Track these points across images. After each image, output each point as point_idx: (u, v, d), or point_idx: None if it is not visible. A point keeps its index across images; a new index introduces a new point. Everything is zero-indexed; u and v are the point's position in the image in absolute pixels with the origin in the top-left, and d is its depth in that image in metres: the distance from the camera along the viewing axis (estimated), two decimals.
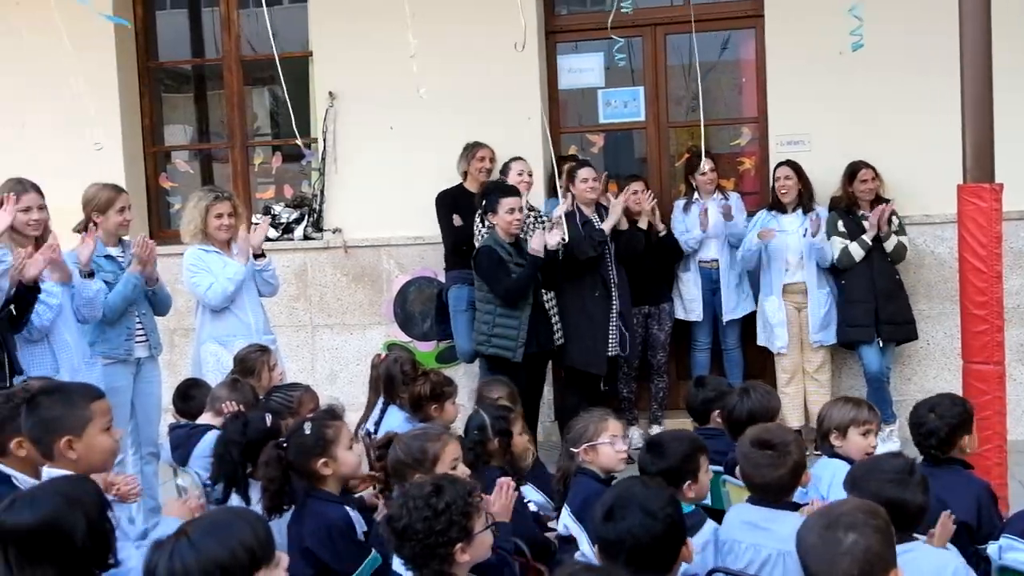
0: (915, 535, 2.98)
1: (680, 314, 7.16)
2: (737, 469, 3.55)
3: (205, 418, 4.57)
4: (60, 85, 7.67)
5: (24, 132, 7.65)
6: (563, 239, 6.06)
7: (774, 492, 3.26)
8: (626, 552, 2.56)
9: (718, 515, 4.24)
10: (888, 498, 2.85)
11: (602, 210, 6.74)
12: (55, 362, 4.84)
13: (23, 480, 3.30)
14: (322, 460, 3.42)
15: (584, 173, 6.65)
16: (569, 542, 3.55)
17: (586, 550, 3.38)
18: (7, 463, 3.36)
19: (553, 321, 6.38)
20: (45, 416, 3.09)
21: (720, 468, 4.19)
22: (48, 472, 3.11)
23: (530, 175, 6.72)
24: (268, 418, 3.93)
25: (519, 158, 6.83)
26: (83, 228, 5.41)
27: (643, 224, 6.85)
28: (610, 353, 6.57)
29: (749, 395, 4.22)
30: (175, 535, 2.26)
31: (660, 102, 7.57)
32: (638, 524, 2.58)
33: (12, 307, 4.58)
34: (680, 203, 7.21)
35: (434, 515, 2.66)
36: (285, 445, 3.46)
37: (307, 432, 3.46)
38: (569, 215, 6.46)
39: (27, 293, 4.66)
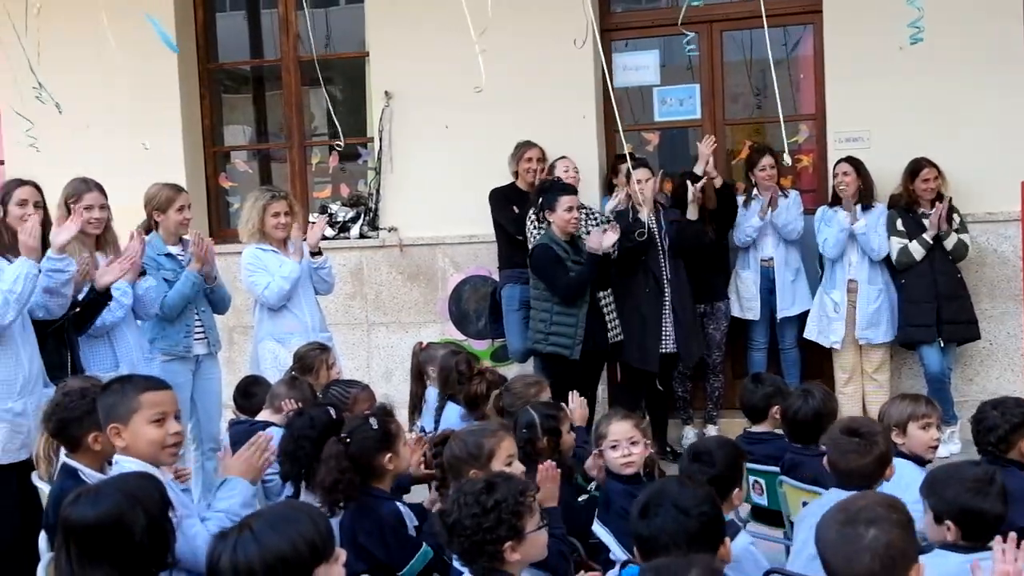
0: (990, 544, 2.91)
1: (737, 312, 7.10)
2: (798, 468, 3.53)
3: (264, 415, 4.62)
4: (123, 86, 7.87)
5: (88, 132, 7.80)
6: (616, 241, 6.05)
7: (858, 480, 3.26)
8: (661, 549, 2.54)
9: (776, 516, 4.22)
10: (966, 506, 2.81)
11: (659, 208, 6.69)
12: (115, 358, 4.94)
13: (90, 475, 3.38)
14: (387, 455, 3.46)
15: (639, 174, 6.62)
16: None
17: (615, 551, 3.38)
18: (78, 458, 3.44)
19: (608, 319, 6.36)
20: (103, 403, 3.17)
21: (776, 469, 4.16)
22: (117, 462, 3.18)
23: (576, 172, 6.71)
24: (332, 411, 3.97)
25: (564, 157, 6.85)
26: (147, 227, 5.53)
27: (699, 169, 6.77)
28: (663, 350, 6.53)
29: (813, 396, 4.19)
30: (238, 528, 2.30)
31: (716, 99, 7.51)
32: (671, 521, 2.56)
33: (78, 309, 4.69)
34: (740, 199, 7.15)
35: (483, 512, 2.67)
36: (348, 440, 3.47)
37: (374, 427, 3.48)
38: (622, 212, 6.44)
39: (98, 298, 4.77)
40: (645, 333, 6.45)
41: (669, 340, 6.53)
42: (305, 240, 5.88)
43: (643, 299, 6.47)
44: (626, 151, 5.75)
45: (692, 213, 6.67)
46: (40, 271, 4.24)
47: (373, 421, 3.50)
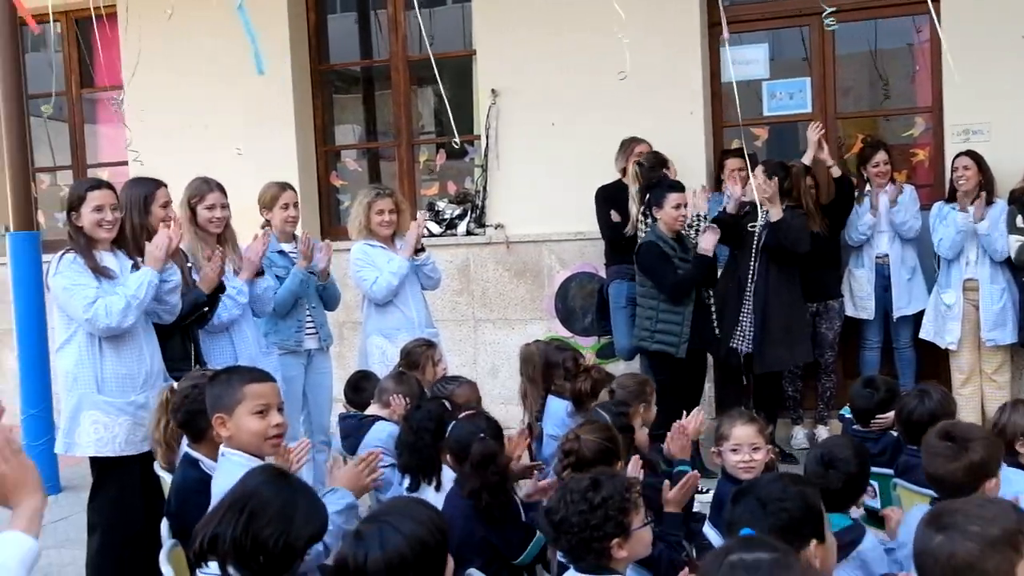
0: None
1: (850, 311, 6.93)
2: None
3: (372, 409, 4.71)
4: (239, 88, 8.10)
5: (207, 133, 8.05)
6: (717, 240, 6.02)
7: (949, 488, 3.11)
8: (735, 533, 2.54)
9: None
10: None
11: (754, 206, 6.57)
12: (234, 352, 5.10)
13: (209, 465, 3.51)
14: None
15: (734, 163, 6.56)
16: None
17: None
18: (199, 448, 3.58)
19: (715, 317, 6.30)
20: (209, 394, 3.28)
21: (891, 471, 4.06)
22: (224, 454, 3.28)
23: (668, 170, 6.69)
24: (446, 404, 4.03)
25: (643, 141, 6.82)
26: (266, 225, 5.69)
27: (808, 159, 6.62)
28: (733, 345, 6.42)
29: (930, 396, 4.03)
30: (372, 523, 2.37)
31: (828, 93, 7.35)
32: (748, 512, 2.53)
33: (207, 308, 4.87)
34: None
35: (590, 509, 2.69)
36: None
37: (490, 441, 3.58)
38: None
39: (214, 292, 4.93)
40: (725, 328, 6.40)
41: (745, 341, 6.40)
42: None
43: (728, 294, 6.41)
44: (739, 146, 5.68)
45: (774, 213, 6.42)
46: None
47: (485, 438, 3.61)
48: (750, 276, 6.40)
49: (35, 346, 6.73)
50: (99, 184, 4.59)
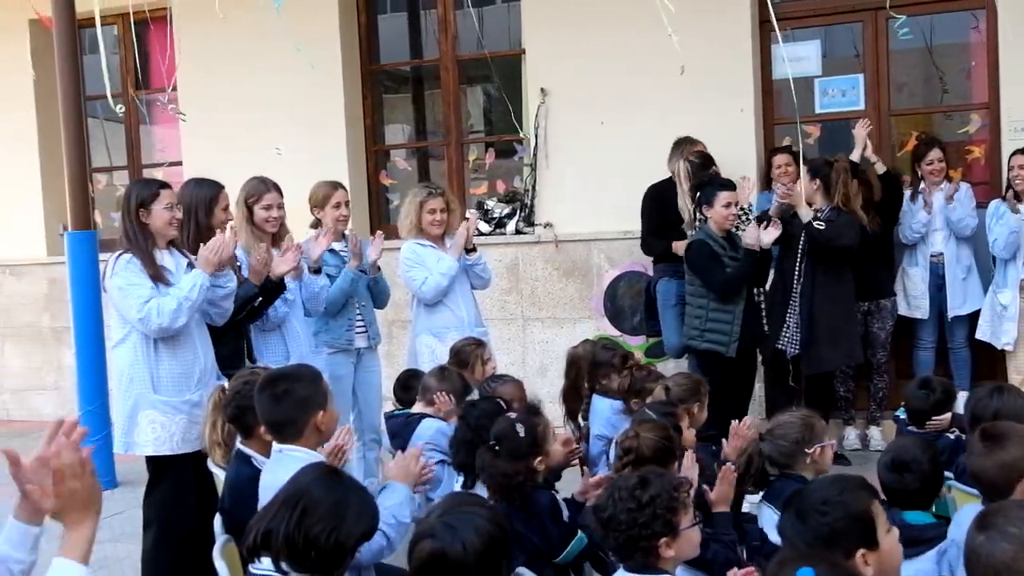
0: None
1: (904, 310, 6.84)
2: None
3: (418, 407, 4.73)
4: (290, 88, 8.20)
5: (258, 132, 8.13)
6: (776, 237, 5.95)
7: (985, 486, 3.03)
8: (787, 542, 2.51)
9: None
10: None
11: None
12: (286, 350, 5.16)
13: (260, 460, 3.56)
14: (537, 459, 3.51)
15: (781, 159, 6.49)
16: None
17: None
18: (250, 444, 3.63)
19: (764, 316, 6.25)
20: (299, 396, 3.32)
21: (950, 473, 3.99)
22: (280, 450, 3.32)
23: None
24: (501, 402, 4.04)
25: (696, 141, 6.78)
26: (313, 224, 5.74)
27: (856, 156, 6.54)
28: (780, 347, 6.36)
29: (1000, 394, 3.88)
30: (452, 514, 2.42)
31: (881, 89, 7.26)
32: (791, 523, 2.51)
33: (259, 300, 4.92)
34: (906, 193, 6.88)
35: (638, 507, 2.68)
36: (497, 448, 3.52)
37: (520, 435, 3.53)
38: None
39: (273, 288, 4.99)
40: (772, 326, 6.33)
41: (793, 342, 6.33)
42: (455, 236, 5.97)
43: (773, 291, 6.35)
44: (793, 145, 5.62)
45: (806, 211, 6.29)
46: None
47: (520, 428, 3.55)
48: (796, 277, 6.34)
49: (92, 344, 6.85)
50: (166, 183, 4.69)
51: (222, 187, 4.96)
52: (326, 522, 2.51)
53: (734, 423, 4.05)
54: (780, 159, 6.98)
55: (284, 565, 2.53)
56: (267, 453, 3.53)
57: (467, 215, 6.95)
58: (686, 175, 6.48)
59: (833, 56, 7.52)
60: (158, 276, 4.40)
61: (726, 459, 3.92)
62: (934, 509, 4.10)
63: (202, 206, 4.80)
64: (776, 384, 6.77)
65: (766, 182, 7.23)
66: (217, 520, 3.59)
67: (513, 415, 3.68)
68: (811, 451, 3.65)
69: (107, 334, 5.82)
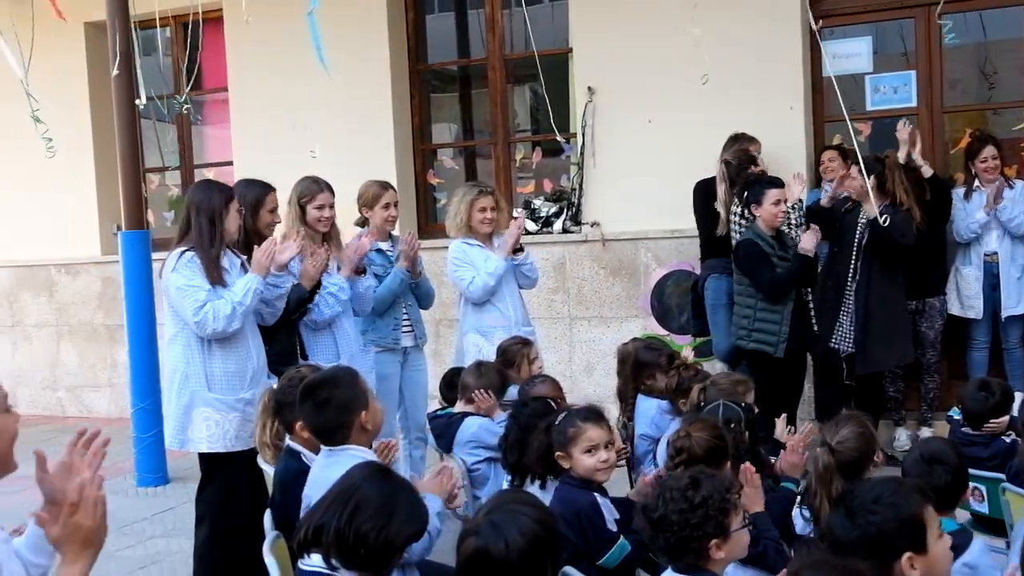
0: None
1: (956, 310, 6.74)
2: None
3: (459, 406, 4.75)
4: (338, 88, 8.25)
5: (306, 132, 8.19)
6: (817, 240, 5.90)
7: None
8: (834, 546, 2.49)
9: (999, 525, 4.00)
10: None
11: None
12: (336, 349, 5.19)
13: (308, 456, 3.60)
14: (558, 453, 3.55)
15: (829, 156, 6.41)
16: None
17: None
18: (296, 440, 3.68)
19: (813, 317, 6.18)
20: (342, 398, 3.35)
21: (1002, 475, 3.94)
22: (332, 450, 3.36)
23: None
24: (552, 403, 4.05)
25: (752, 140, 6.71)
26: (360, 223, 5.78)
27: (902, 157, 6.42)
28: (832, 345, 6.28)
29: None
30: (497, 512, 2.43)
31: (934, 86, 7.16)
32: (839, 521, 2.48)
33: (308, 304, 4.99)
34: (959, 191, 6.78)
35: (690, 508, 2.67)
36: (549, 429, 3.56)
37: (556, 423, 3.57)
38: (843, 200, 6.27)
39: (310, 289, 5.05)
40: (824, 326, 6.26)
41: (846, 340, 6.25)
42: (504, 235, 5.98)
43: (825, 291, 6.27)
44: (838, 141, 5.56)
45: (870, 212, 6.22)
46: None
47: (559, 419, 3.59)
48: (850, 274, 6.27)
49: (145, 342, 6.96)
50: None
51: (271, 189, 4.99)
52: (376, 520, 2.54)
53: (788, 435, 4.01)
54: (826, 155, 6.91)
55: (334, 561, 2.56)
56: (313, 449, 3.58)
57: (515, 214, 6.96)
58: (722, 177, 6.42)
59: (885, 53, 7.42)
60: (219, 280, 4.46)
61: (782, 473, 3.89)
62: (968, 517, 4.08)
63: (248, 208, 4.84)
64: (826, 385, 6.70)
65: (817, 180, 7.16)
66: (267, 516, 3.64)
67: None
68: (879, 460, 3.61)
69: (160, 331, 5.90)
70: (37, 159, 7.27)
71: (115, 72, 6.69)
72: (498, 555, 2.37)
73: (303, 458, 3.66)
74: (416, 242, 5.71)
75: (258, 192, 4.94)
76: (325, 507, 2.62)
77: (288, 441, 3.79)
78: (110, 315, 9.32)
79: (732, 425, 3.82)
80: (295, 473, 3.62)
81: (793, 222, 6.17)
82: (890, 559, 2.40)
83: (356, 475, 2.71)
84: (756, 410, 4.05)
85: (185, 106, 6.11)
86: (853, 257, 6.24)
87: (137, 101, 6.51)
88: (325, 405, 3.37)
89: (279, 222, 5.00)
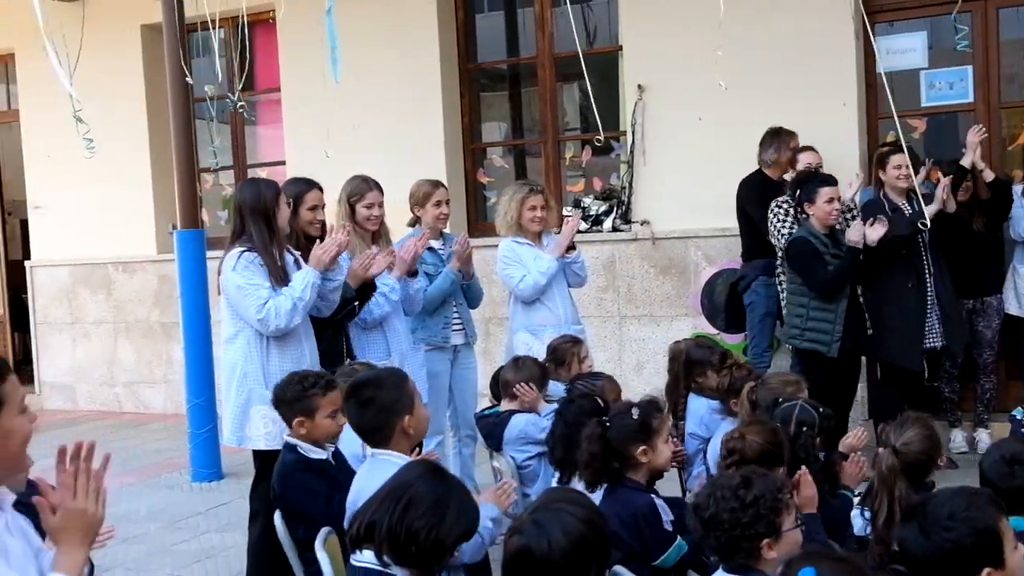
0: None
1: (1014, 310, 6.61)
2: None
3: (505, 404, 4.76)
4: (390, 87, 8.32)
5: (357, 132, 8.27)
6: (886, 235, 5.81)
7: None
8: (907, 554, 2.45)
9: None
10: None
11: (913, 199, 6.32)
12: (387, 347, 5.23)
13: (306, 448, 3.78)
14: (642, 447, 3.48)
15: (897, 159, 6.28)
16: None
17: None
18: (293, 435, 3.86)
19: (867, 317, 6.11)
20: (385, 401, 3.37)
21: None
22: (374, 455, 3.38)
23: (816, 166, 6.48)
24: (599, 401, 4.04)
25: (809, 149, 6.62)
26: (411, 222, 5.80)
27: (967, 162, 6.33)
28: (927, 346, 6.20)
29: None
30: (543, 511, 2.42)
31: (991, 82, 7.03)
32: (912, 535, 2.44)
33: (356, 303, 5.02)
34: (1018, 188, 6.65)
35: (741, 507, 2.64)
36: (608, 424, 3.51)
37: (633, 417, 3.52)
38: (877, 203, 6.17)
39: (364, 288, 5.08)
40: (908, 330, 6.14)
41: (934, 335, 6.19)
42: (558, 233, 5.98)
43: (905, 294, 6.16)
44: (895, 139, 5.48)
45: (950, 206, 6.25)
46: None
47: (635, 411, 3.53)
48: (927, 272, 6.20)
49: (200, 339, 7.07)
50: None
51: (312, 187, 5.02)
52: (428, 518, 2.56)
53: (856, 455, 3.95)
54: (899, 159, 6.70)
55: (386, 557, 2.59)
56: (310, 441, 3.78)
57: (566, 214, 6.95)
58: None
59: (940, 47, 7.31)
60: (284, 281, 4.51)
61: (846, 485, 3.84)
62: None
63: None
64: (885, 386, 6.57)
65: (870, 178, 7.07)
66: (277, 518, 3.72)
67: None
68: (942, 463, 3.55)
69: (216, 329, 5.98)
70: (95, 159, 7.40)
71: (188, 79, 6.80)
72: (541, 554, 2.36)
73: (300, 449, 3.79)
74: (469, 244, 5.72)
75: (298, 189, 4.97)
76: (377, 504, 2.64)
77: (286, 437, 3.87)
78: (166, 313, 9.47)
79: (804, 428, 3.73)
80: (292, 463, 3.77)
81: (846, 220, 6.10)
82: (971, 569, 2.36)
83: (409, 473, 2.73)
84: (832, 416, 3.94)
85: (240, 104, 6.18)
86: (924, 255, 6.18)
87: (207, 88, 6.57)
88: (368, 405, 3.38)
89: (322, 220, 4.99)
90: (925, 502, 2.52)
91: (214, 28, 6.04)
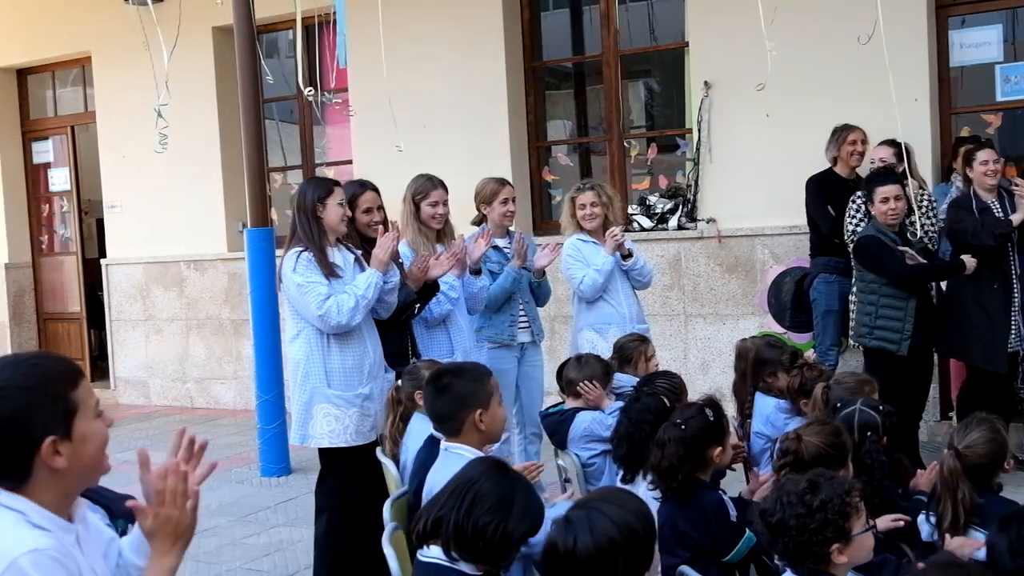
0: None
1: None
2: None
3: (569, 403, 4.74)
4: (456, 87, 8.35)
5: (424, 132, 8.32)
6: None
7: None
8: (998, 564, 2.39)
9: None
10: None
11: (1004, 196, 6.18)
12: (451, 345, 5.26)
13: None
14: (717, 448, 3.47)
15: (984, 155, 6.12)
16: None
17: None
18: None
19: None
20: (460, 392, 3.39)
21: None
22: (447, 448, 3.40)
23: (889, 160, 6.35)
24: (665, 399, 4.02)
25: (887, 142, 6.50)
26: (477, 220, 5.83)
27: None
28: (1011, 349, 6.05)
29: None
30: (580, 509, 2.42)
31: None
32: (1006, 544, 2.39)
33: (418, 305, 5.05)
34: None
35: (808, 512, 2.60)
36: (684, 427, 3.48)
37: (710, 418, 3.49)
38: (965, 201, 6.03)
39: (427, 289, 5.11)
40: (993, 332, 5.98)
41: (1018, 339, 6.04)
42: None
43: (989, 295, 6.01)
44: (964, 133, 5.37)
45: None
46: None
47: (709, 412, 3.50)
48: (1014, 273, 6.05)
49: (269, 336, 7.17)
50: (338, 182, 4.86)
51: (364, 189, 5.03)
52: (493, 514, 2.58)
53: (935, 463, 3.88)
54: (986, 154, 6.54)
55: (454, 553, 2.61)
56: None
57: (631, 210, 6.91)
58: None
59: (1017, 41, 7.13)
60: (331, 272, 4.55)
61: (916, 488, 3.77)
62: None
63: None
64: (972, 388, 6.42)
65: (945, 173, 6.93)
66: (386, 508, 3.71)
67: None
68: (1009, 466, 3.46)
69: (283, 326, 6.08)
70: (168, 159, 7.56)
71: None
72: (564, 551, 2.35)
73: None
74: (524, 242, 5.71)
75: (352, 191, 4.98)
76: (444, 500, 2.67)
77: (432, 431, 3.81)
78: (236, 310, 9.63)
79: (868, 433, 3.63)
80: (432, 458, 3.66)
81: (928, 221, 5.99)
82: None
83: (474, 470, 2.75)
84: (894, 412, 3.84)
85: (334, 99, 6.26)
86: (1012, 255, 6.02)
87: (306, 91, 6.63)
88: (443, 392, 3.42)
89: (379, 221, 4.99)
90: (1016, 515, 2.46)
91: (299, 27, 6.14)
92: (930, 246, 6.11)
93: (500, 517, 2.58)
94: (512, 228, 5.98)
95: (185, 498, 2.10)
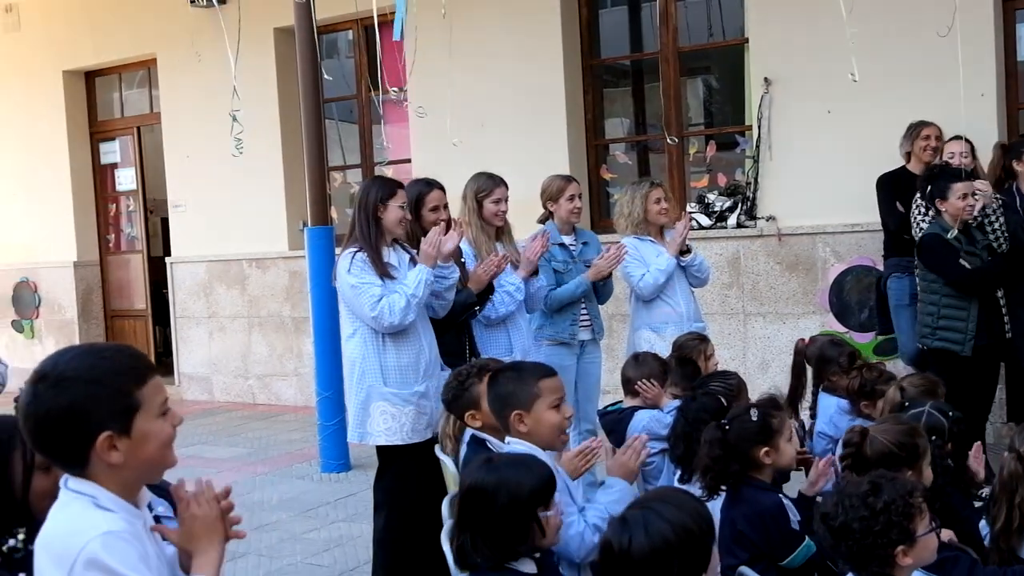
0: None
1: None
2: None
3: (627, 402, 4.73)
4: (515, 86, 8.37)
5: (484, 130, 8.35)
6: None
7: None
8: None
9: None
10: None
11: None
12: (510, 343, 5.28)
13: (495, 443, 3.67)
14: (764, 449, 3.42)
15: None
16: None
17: None
18: (472, 427, 3.78)
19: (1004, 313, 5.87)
20: (501, 391, 3.39)
21: None
22: (509, 443, 3.42)
23: (969, 155, 6.22)
24: (722, 400, 4.00)
25: (957, 137, 6.36)
26: (543, 218, 5.83)
27: None
28: None
29: None
30: (637, 508, 2.42)
31: None
32: None
33: (477, 308, 5.08)
34: None
35: (872, 515, 2.57)
36: (727, 427, 3.46)
37: (753, 419, 3.45)
38: (1007, 199, 5.92)
39: (483, 292, 5.13)
40: None
41: None
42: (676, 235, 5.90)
43: None
44: None
45: None
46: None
47: (753, 412, 3.46)
48: None
49: (328, 333, 7.23)
50: (401, 183, 4.90)
51: (432, 187, 5.05)
52: (500, 494, 2.71)
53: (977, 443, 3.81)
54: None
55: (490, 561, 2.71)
56: (495, 434, 3.59)
57: (689, 208, 6.87)
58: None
59: None
60: (385, 273, 4.58)
61: (972, 477, 3.70)
62: None
63: (410, 206, 4.88)
64: None
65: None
66: (445, 504, 3.74)
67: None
68: None
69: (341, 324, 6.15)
70: (231, 159, 7.66)
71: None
72: (619, 550, 2.33)
73: (489, 444, 3.69)
74: (614, 256, 5.68)
75: (418, 190, 5.02)
76: (455, 512, 2.81)
77: (471, 431, 3.83)
78: (296, 308, 9.75)
79: (934, 437, 3.53)
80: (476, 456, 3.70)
81: (993, 220, 5.87)
82: None
83: (468, 477, 2.91)
84: (962, 419, 3.75)
85: (405, 99, 6.31)
86: None
87: (391, 91, 6.70)
88: (490, 389, 3.45)
89: (445, 219, 4.98)
90: None
91: (358, 27, 6.17)
92: (996, 246, 5.99)
93: (505, 490, 2.71)
94: (578, 225, 5.97)
95: (203, 496, 2.15)
